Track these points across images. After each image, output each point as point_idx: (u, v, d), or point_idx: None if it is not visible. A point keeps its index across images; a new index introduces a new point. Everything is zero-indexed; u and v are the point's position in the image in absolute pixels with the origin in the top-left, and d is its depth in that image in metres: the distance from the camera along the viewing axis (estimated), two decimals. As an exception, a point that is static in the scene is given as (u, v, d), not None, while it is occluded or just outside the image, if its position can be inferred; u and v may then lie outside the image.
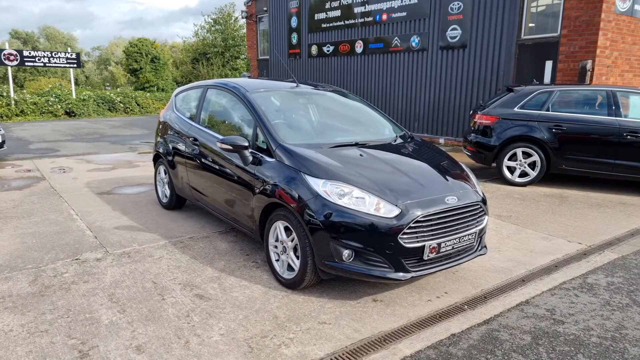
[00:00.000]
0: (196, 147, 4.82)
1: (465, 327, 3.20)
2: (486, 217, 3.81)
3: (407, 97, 13.20)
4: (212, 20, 31.44)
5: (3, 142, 9.40)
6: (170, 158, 5.42)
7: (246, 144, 3.98)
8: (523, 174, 7.33)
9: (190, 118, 5.18)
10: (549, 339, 3.04)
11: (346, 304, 3.48)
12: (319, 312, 3.36)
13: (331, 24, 15.25)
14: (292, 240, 3.60)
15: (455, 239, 3.49)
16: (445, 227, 3.43)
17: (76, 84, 50.35)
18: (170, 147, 5.41)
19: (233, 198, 4.27)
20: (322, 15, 15.56)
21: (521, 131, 7.21)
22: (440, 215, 3.40)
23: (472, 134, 7.73)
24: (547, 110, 7.15)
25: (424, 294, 3.70)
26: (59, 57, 22.23)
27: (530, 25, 10.48)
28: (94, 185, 7.20)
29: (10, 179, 7.68)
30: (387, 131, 4.66)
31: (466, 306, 3.51)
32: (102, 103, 22.66)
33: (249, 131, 4.21)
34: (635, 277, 4.04)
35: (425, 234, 3.34)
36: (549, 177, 7.60)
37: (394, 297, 3.61)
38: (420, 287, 3.80)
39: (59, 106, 21.29)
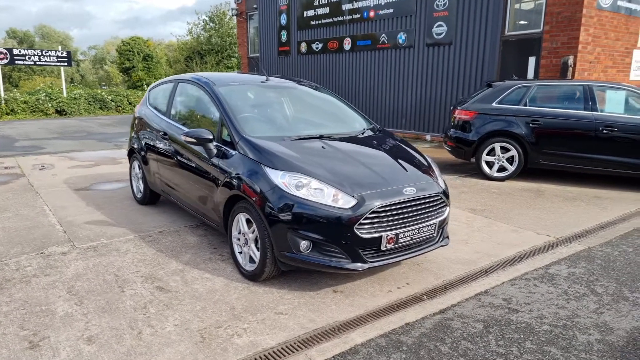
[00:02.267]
0: (166, 142, 4.83)
1: (421, 316, 3.22)
2: (447, 208, 3.83)
3: (395, 94, 13.22)
4: (206, 19, 31.42)
5: (-15, 139, 9.38)
6: (143, 153, 5.42)
7: (210, 136, 3.99)
8: (501, 169, 7.36)
9: (162, 112, 5.18)
10: (500, 327, 3.06)
11: (306, 295, 3.50)
12: (277, 303, 3.38)
13: (320, 21, 15.26)
14: (252, 232, 3.62)
15: (414, 229, 3.51)
16: (403, 218, 3.45)
17: (72, 83, 50.29)
18: (143, 142, 5.41)
19: (199, 191, 4.28)
20: (310, 13, 15.56)
21: (499, 126, 7.23)
22: (398, 206, 3.42)
23: (452, 129, 7.76)
24: (525, 105, 7.18)
25: (386, 284, 3.72)
26: (50, 56, 22.18)
27: (514, 21, 10.51)
28: (73, 181, 7.19)
29: (-10, 175, 7.67)
30: (355, 124, 4.67)
31: (425, 296, 3.54)
32: (94, 101, 22.60)
33: (215, 124, 4.22)
34: (597, 267, 4.07)
35: (382, 225, 3.36)
36: (527, 171, 7.63)
37: (355, 288, 3.63)
38: (383, 278, 3.82)
39: (50, 105, 21.22)
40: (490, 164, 7.43)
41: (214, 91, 4.36)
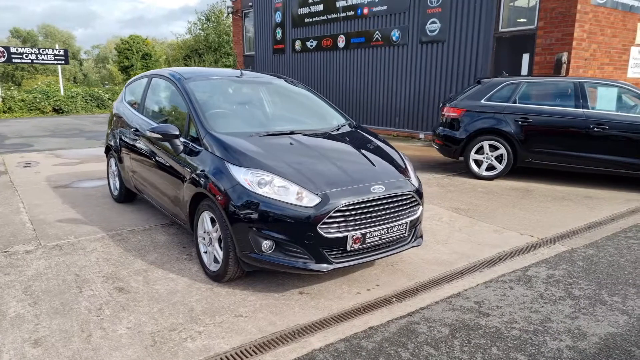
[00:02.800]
0: (137, 138, 4.71)
1: (386, 319, 3.08)
2: (420, 207, 3.69)
3: (388, 92, 13.07)
4: (204, 17, 31.30)
5: (-29, 136, 9.29)
6: (118, 150, 5.30)
7: (177, 132, 3.87)
8: (490, 168, 7.21)
9: (136, 108, 5.06)
10: (467, 332, 2.92)
11: (270, 297, 3.37)
12: (239, 305, 3.25)
13: (314, 19, 15.12)
14: (216, 232, 3.49)
15: (382, 229, 3.37)
16: (370, 218, 3.31)
17: (75, 82, 50.23)
18: (118, 139, 5.29)
19: (168, 189, 4.15)
20: (305, 10, 15.42)
21: (488, 124, 7.08)
22: (364, 205, 3.28)
23: (440, 127, 7.62)
24: (514, 102, 7.03)
25: (355, 286, 3.58)
26: (47, 54, 22.12)
27: (508, 17, 10.34)
28: (54, 179, 7.08)
29: (-28, 173, 7.57)
30: (329, 120, 4.54)
31: (394, 299, 3.40)
32: (91, 100, 22.53)
33: (183, 120, 4.09)
34: (578, 270, 3.93)
35: (348, 225, 3.22)
36: (517, 170, 7.48)
37: (322, 290, 3.50)
38: (353, 279, 3.69)
39: (47, 103, 21.17)
40: (478, 163, 7.28)
41: (184, 86, 4.23)
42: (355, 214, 3.25)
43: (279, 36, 16.71)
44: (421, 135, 12.08)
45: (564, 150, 6.77)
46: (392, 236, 3.46)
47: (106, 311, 3.12)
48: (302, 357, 2.66)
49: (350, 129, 4.39)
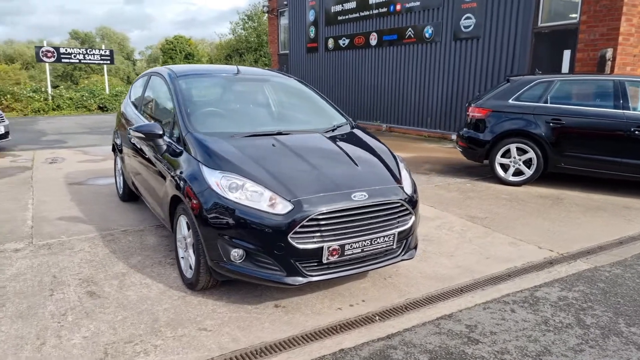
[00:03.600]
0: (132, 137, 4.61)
1: (361, 341, 2.79)
2: (412, 217, 3.35)
3: (420, 92, 12.59)
4: (245, 17, 31.61)
5: (7, 132, 9.62)
6: (120, 149, 5.25)
7: (160, 132, 3.72)
8: (518, 173, 6.70)
9: (135, 107, 4.98)
10: (447, 362, 2.59)
11: (242, 309, 3.14)
12: (207, 317, 3.04)
13: (347, 16, 14.81)
14: (190, 237, 3.30)
15: (364, 240, 3.07)
16: (350, 227, 3.02)
17: (128, 81, 52.04)
18: (120, 138, 5.24)
19: (154, 189, 4.02)
20: (338, 8, 15.14)
21: (515, 125, 6.58)
22: (343, 214, 2.99)
23: (464, 129, 7.16)
24: (546, 102, 6.48)
25: (338, 300, 3.30)
26: (93, 54, 22.94)
27: (548, 11, 9.67)
28: (72, 176, 7.17)
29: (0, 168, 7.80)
30: (325, 120, 4.26)
31: (378, 317, 3.09)
32: (134, 98, 23.17)
33: (169, 118, 3.94)
34: (596, 292, 3.47)
35: (323, 234, 2.95)
36: (549, 176, 6.92)
37: (301, 303, 3.24)
38: (337, 293, 3.40)
39: (93, 101, 21.99)
40: (505, 167, 6.77)
41: (173, 83, 4.07)
42: (331, 224, 2.96)
43: (312, 34, 16.51)
44: (453, 137, 11.52)
45: (601, 155, 6.18)
46: (377, 248, 3.16)
47: (69, 317, 2.99)
48: (256, 381, 2.42)
49: (346, 130, 4.10)
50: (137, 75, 62.63)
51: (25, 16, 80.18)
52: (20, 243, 4.24)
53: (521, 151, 6.60)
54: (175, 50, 30.00)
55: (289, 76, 4.88)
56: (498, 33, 10.40)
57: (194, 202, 3.11)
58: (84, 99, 22.03)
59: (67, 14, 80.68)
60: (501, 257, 4.12)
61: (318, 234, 2.94)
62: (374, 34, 13.86)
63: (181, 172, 3.36)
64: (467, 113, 7.15)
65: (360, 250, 3.08)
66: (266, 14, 19.79)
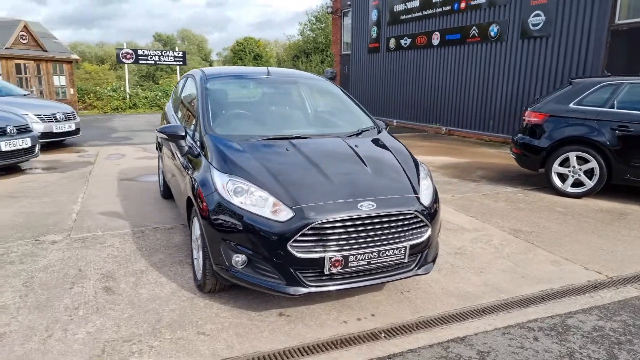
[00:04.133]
0: (167, 137, 4.73)
1: (358, 360, 2.64)
2: (428, 230, 3.13)
3: (483, 93, 12.00)
4: (313, 18, 31.86)
5: (78, 129, 10.32)
6: (160, 147, 5.41)
7: (182, 133, 3.77)
8: (577, 183, 6.14)
9: (174, 107, 5.11)
10: (443, 392, 2.37)
11: (245, 315, 3.09)
12: (208, 320, 3.02)
13: (409, 15, 14.45)
14: (200, 239, 3.30)
15: (371, 252, 2.91)
16: (355, 238, 2.87)
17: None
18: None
19: (177, 189, 4.08)
20: (401, 7, 14.81)
21: (576, 132, 6.03)
22: (347, 223, 2.85)
23: (519, 134, 6.68)
24: (612, 107, 5.89)
25: (346, 313, 3.16)
26: (167, 56, 24.14)
27: (627, 7, 8.82)
28: (126, 172, 7.53)
29: (66, 162, 8.37)
30: (351, 124, 4.11)
31: (383, 334, 2.92)
32: (203, 97, 24.11)
33: (194, 120, 3.98)
34: (640, 323, 3.07)
35: (325, 244, 2.82)
36: (613, 189, 6.28)
37: (306, 314, 3.13)
38: (346, 305, 3.26)
39: (165, 100, 23.17)
40: (563, 177, 6.24)
41: (202, 86, 4.12)
42: (334, 233, 2.83)
43: (374, 34, 16.28)
44: (516, 142, 10.85)
45: (675, 167, 5.51)
46: (385, 261, 2.98)
47: (80, 312, 3.09)
48: (238, 393, 2.35)
49: (371, 135, 3.93)
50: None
51: (117, 20, 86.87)
52: (59, 235, 4.48)
53: (582, 160, 6.04)
54: (245, 52, 30.86)
55: (322, 78, 4.77)
56: (570, 31, 9.65)
57: (202, 204, 3.10)
58: (158, 97, 23.28)
59: (154, 18, 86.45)
60: (538, 277, 3.77)
61: (319, 244, 2.82)
62: (437, 33, 13.40)
63: (196, 174, 3.37)
64: (523, 117, 6.67)
65: (366, 263, 2.92)
66: (330, 15, 19.78)
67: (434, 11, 13.47)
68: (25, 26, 17.22)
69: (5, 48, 16.45)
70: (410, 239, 3.03)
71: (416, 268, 3.14)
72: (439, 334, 2.94)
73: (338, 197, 2.94)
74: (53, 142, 9.94)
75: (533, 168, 6.54)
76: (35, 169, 7.73)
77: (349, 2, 17.92)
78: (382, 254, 2.94)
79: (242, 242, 2.90)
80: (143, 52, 23.76)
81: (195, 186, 3.29)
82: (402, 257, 3.02)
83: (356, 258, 2.88)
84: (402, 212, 2.99)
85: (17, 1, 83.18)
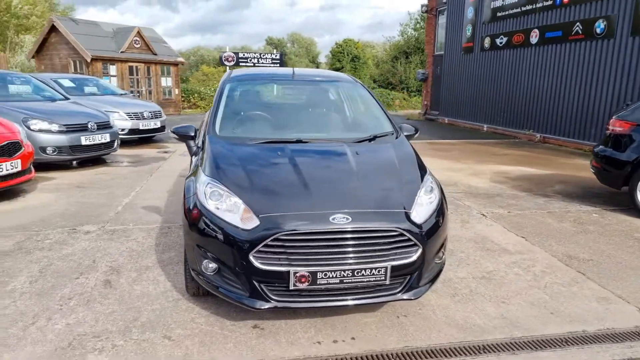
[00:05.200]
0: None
1: (309, 389, 2.40)
2: (419, 250, 2.77)
3: (585, 98, 10.70)
4: (418, 17, 31.04)
5: (163, 126, 11.05)
6: (202, 146, 5.53)
7: (192, 134, 3.78)
8: (668, 206, 5.15)
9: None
10: None
11: (218, 324, 2.98)
12: (181, 325, 2.95)
13: (507, 12, 13.39)
14: (188, 241, 3.26)
15: (344, 270, 2.63)
16: (324, 253, 2.62)
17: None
18: (203, 136, 5.51)
19: (192, 189, 4.10)
20: (498, 3, 13.78)
21: (670, 144, 5.06)
22: (314, 237, 2.61)
23: (600, 146, 5.78)
24: None
25: (324, 333, 2.91)
26: (266, 58, 25.00)
27: None
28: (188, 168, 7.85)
29: (144, 157, 8.99)
30: (365, 129, 3.84)
31: (355, 362, 2.64)
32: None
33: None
34: (684, 390, 2.42)
35: (289, 258, 2.61)
36: None
37: (282, 329, 2.94)
38: (329, 324, 3.00)
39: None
40: (651, 197, 5.28)
41: (221, 87, 4.11)
42: (299, 246, 2.60)
43: (468, 33, 15.36)
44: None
45: None
46: (362, 281, 2.68)
47: (72, 302, 3.21)
48: (167, 407, 2.24)
49: (383, 142, 3.61)
50: (319, 77, 67.25)
51: (238, 26, 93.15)
52: (95, 226, 4.76)
53: (675, 178, 5.06)
54: (343, 54, 30.99)
55: (350, 79, 4.49)
56: (690, 25, 8.21)
57: (185, 206, 3.06)
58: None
59: (271, 22, 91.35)
60: (573, 315, 3.18)
61: (284, 257, 2.61)
62: (536, 30, 12.25)
63: (189, 174, 3.35)
64: (607, 126, 5.77)
65: (338, 281, 2.65)
66: (425, 14, 19.08)
67: (534, 6, 12.33)
68: (138, 32, 18.93)
69: (121, 52, 18.22)
70: (393, 259, 2.70)
71: (401, 292, 2.79)
72: (417, 370, 2.57)
73: (311, 207, 2.71)
74: (143, 138, 10.75)
75: (615, 185, 5.62)
76: (115, 162, 8.39)
77: (444, 1, 17.14)
78: (357, 273, 2.65)
79: (211, 248, 2.79)
80: (243, 54, 24.89)
81: (185, 186, 3.27)
82: (383, 278, 2.70)
83: (326, 275, 2.62)
84: (383, 228, 2.68)
85: (154, 10, 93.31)
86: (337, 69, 31.89)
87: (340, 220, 2.63)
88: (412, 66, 29.38)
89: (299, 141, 3.45)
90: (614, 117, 5.68)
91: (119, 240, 4.38)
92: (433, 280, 2.99)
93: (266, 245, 2.60)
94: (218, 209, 2.82)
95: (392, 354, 2.72)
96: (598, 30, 10.23)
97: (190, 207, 2.95)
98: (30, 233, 4.50)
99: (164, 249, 4.18)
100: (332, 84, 4.46)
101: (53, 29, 18.25)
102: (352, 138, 3.63)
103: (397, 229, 2.69)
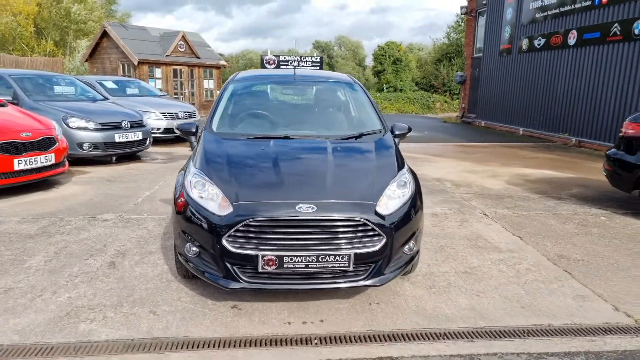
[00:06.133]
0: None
1: (267, 361, 2.62)
2: (383, 240, 2.93)
3: (622, 101, 10.33)
4: (458, 20, 30.58)
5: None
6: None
7: (194, 130, 4.08)
8: (681, 209, 5.00)
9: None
10: (316, 407, 2.23)
11: (201, 302, 3.25)
12: (168, 302, 3.24)
13: (545, 13, 13.10)
14: (181, 227, 3.56)
15: (309, 256, 2.84)
16: (290, 240, 2.84)
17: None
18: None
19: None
20: (537, 4, 13.49)
21: (682, 146, 4.92)
22: (280, 224, 2.83)
23: (613, 149, 5.67)
24: None
25: (297, 315, 3.12)
26: (306, 61, 25.40)
27: None
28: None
29: (175, 155, 9.50)
30: (353, 127, 4.04)
31: (317, 341, 2.84)
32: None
33: (210, 118, 4.27)
34: (630, 383, 2.46)
35: (258, 242, 2.84)
36: None
37: (258, 310, 3.17)
38: (303, 308, 3.21)
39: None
40: (663, 201, 5.14)
41: (225, 86, 4.40)
42: (266, 232, 2.83)
43: (507, 35, 15.10)
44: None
45: None
46: (327, 267, 2.88)
47: (77, 279, 3.57)
48: (137, 369, 2.53)
49: (368, 139, 3.79)
50: (366, 80, 67.14)
51: (288, 29, 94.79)
52: (113, 215, 5.17)
53: (688, 181, 4.91)
54: (385, 56, 30.97)
55: (350, 80, 4.65)
56: None
57: (175, 195, 3.36)
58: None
59: (321, 25, 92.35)
60: (543, 310, 3.23)
61: (253, 241, 2.85)
62: (574, 32, 11.93)
63: (183, 167, 3.66)
64: (621, 129, 5.65)
65: (304, 266, 2.86)
66: (464, 16, 18.86)
67: (573, 7, 12.01)
68: (183, 36, 19.79)
69: (166, 56, 19.10)
70: (357, 247, 2.88)
71: (365, 278, 2.96)
72: (372, 350, 2.74)
73: (281, 197, 2.93)
74: (178, 137, 11.29)
75: (625, 188, 5.49)
76: (149, 159, 8.93)
77: (484, 2, 16.91)
78: (322, 259, 2.85)
79: (193, 233, 3.06)
80: (284, 57, 25.45)
81: (177, 178, 3.58)
82: (347, 265, 2.88)
83: (292, 260, 2.84)
84: (346, 217, 2.86)
85: (209, 15, 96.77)
86: (378, 72, 31.89)
87: (306, 210, 2.84)
88: (455, 69, 28.97)
89: (286, 137, 3.68)
90: (627, 119, 5.56)
91: (131, 228, 4.76)
92: (401, 269, 3.13)
93: (237, 230, 2.85)
94: (202, 197, 3.09)
95: (354, 336, 2.89)
96: (636, 31, 9.87)
97: (177, 196, 3.24)
98: (55, 219, 4.97)
99: (170, 236, 4.51)
100: (330, 84, 4.67)
101: (105, 34, 19.40)
102: (339, 135, 3.82)
103: (360, 219, 2.87)
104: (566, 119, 12.25)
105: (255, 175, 3.19)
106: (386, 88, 30.43)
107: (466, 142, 12.64)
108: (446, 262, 4.02)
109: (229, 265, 2.91)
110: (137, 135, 8.39)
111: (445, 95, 29.29)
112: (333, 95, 4.59)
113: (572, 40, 11.98)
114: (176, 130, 4.29)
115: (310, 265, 2.86)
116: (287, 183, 3.06)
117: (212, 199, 3.05)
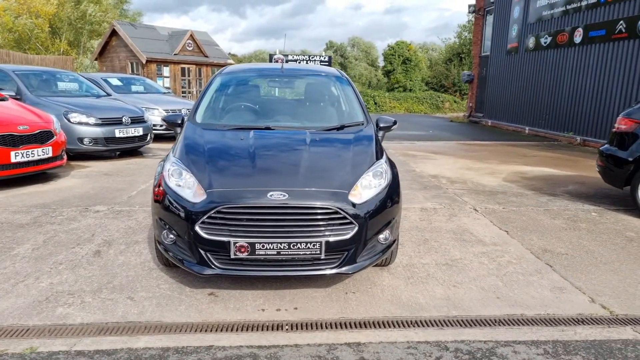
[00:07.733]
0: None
1: (235, 344, 2.66)
2: (355, 228, 2.96)
3: (627, 99, 10.21)
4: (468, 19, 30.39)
5: (200, 124, 11.67)
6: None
7: (179, 121, 4.14)
8: (672, 206, 4.95)
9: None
10: (274, 388, 2.26)
11: (180, 289, 3.30)
12: (146, 289, 3.30)
13: (552, 11, 12.99)
14: (162, 215, 3.62)
15: (281, 243, 2.88)
16: (262, 227, 2.88)
17: (369, 86, 56.01)
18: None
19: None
20: (544, 2, 13.38)
21: (674, 142, 4.87)
22: (252, 211, 2.87)
23: (606, 145, 5.62)
24: None
25: (272, 302, 3.16)
26: (314, 61, 25.49)
27: None
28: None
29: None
30: (335, 119, 4.07)
31: (287, 327, 2.87)
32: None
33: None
34: (594, 371, 2.46)
35: (230, 229, 2.89)
36: None
37: (234, 297, 3.21)
38: (278, 295, 3.25)
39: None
40: (654, 197, 5.08)
41: (212, 79, 4.45)
42: (238, 219, 2.88)
43: (514, 34, 15.00)
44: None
45: None
46: (299, 254, 2.91)
47: (61, 266, 3.65)
48: (115, 350, 2.58)
49: (349, 131, 3.82)
50: (378, 80, 66.93)
51: (302, 30, 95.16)
52: (105, 207, 5.26)
53: (680, 177, 4.86)
54: (395, 56, 30.90)
55: (337, 74, 4.68)
56: None
57: (154, 184, 3.42)
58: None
59: (334, 26, 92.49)
60: (518, 301, 3.23)
61: (225, 228, 2.89)
62: (580, 29, 11.83)
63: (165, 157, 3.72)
64: (614, 125, 5.60)
65: (275, 253, 2.90)
66: (472, 14, 18.76)
67: (579, 4, 11.90)
68: (191, 35, 19.96)
69: (174, 54, 19.29)
70: (328, 235, 2.91)
71: (337, 266, 2.99)
72: (341, 336, 2.77)
73: (253, 185, 2.97)
74: (182, 134, 11.42)
75: (617, 184, 5.44)
76: (149, 154, 9.04)
77: (492, 0, 16.81)
78: (294, 246, 2.89)
79: (169, 221, 3.12)
80: (293, 57, 25.54)
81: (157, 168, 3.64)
82: (318, 252, 2.91)
83: (263, 247, 2.88)
84: (317, 205, 2.89)
85: (223, 16, 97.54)
86: (388, 72, 31.83)
87: (278, 197, 2.87)
88: (465, 68, 28.81)
89: (267, 128, 3.73)
90: (620, 115, 5.51)
91: (121, 219, 4.84)
92: (376, 258, 3.15)
93: (210, 217, 2.89)
94: (179, 186, 3.14)
95: (325, 323, 2.92)
96: (640, 28, 9.76)
97: (156, 185, 3.30)
98: (48, 210, 5.06)
99: (158, 227, 4.58)
100: (318, 78, 4.70)
101: (114, 33, 19.65)
102: (320, 126, 3.86)
103: (332, 207, 2.90)
104: (571, 118, 12.14)
105: (231, 164, 3.23)
106: (395, 88, 30.35)
107: (470, 140, 12.58)
108: (428, 255, 4.03)
109: (202, 252, 2.95)
110: (138, 131, 8.49)
111: (455, 95, 29.15)
112: (319, 88, 4.63)
113: (578, 38, 11.86)
114: (162, 122, 4.35)
115: (282, 253, 2.89)
116: (262, 172, 3.11)
117: (189, 187, 3.10)
